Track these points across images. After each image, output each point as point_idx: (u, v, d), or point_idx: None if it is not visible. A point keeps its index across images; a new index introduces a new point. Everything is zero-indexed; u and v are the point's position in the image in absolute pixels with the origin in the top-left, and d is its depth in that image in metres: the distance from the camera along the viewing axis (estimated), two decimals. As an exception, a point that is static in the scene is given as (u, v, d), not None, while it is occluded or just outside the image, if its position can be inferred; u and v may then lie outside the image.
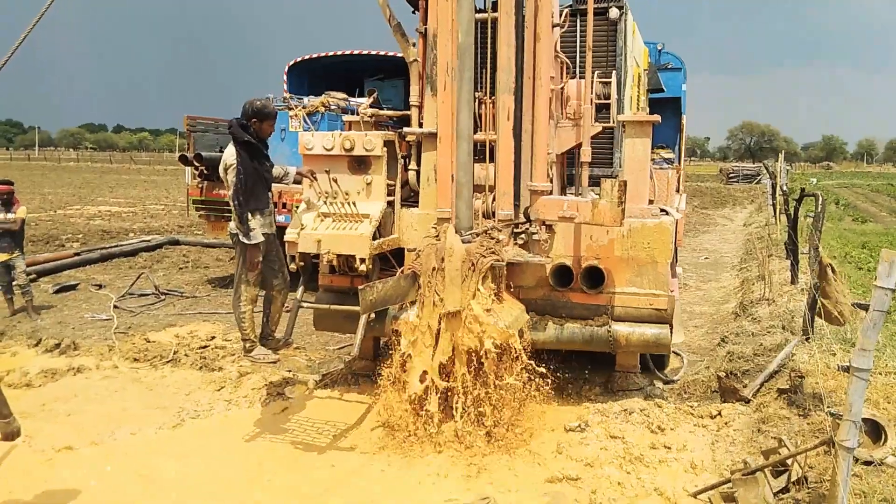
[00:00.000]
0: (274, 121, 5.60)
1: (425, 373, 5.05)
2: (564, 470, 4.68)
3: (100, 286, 10.87)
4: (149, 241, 15.27)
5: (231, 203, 5.33)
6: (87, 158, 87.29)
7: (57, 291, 10.43)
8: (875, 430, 4.19)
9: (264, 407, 5.94)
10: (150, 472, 4.79)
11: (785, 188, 14.43)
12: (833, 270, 5.61)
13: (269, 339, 5.83)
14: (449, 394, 5.14)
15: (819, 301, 5.33)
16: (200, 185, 10.55)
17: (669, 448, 4.95)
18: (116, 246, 14.46)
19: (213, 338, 7.86)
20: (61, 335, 7.92)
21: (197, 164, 10.00)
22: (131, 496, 4.48)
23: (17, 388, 6.26)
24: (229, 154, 5.35)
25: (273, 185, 5.88)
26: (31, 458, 4.99)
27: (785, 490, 4.00)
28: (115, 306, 9.47)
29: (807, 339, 6.16)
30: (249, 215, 5.30)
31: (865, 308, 3.39)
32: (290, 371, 6.67)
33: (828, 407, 4.21)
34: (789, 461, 4.05)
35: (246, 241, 5.29)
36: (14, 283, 8.98)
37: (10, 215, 8.80)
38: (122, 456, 5.06)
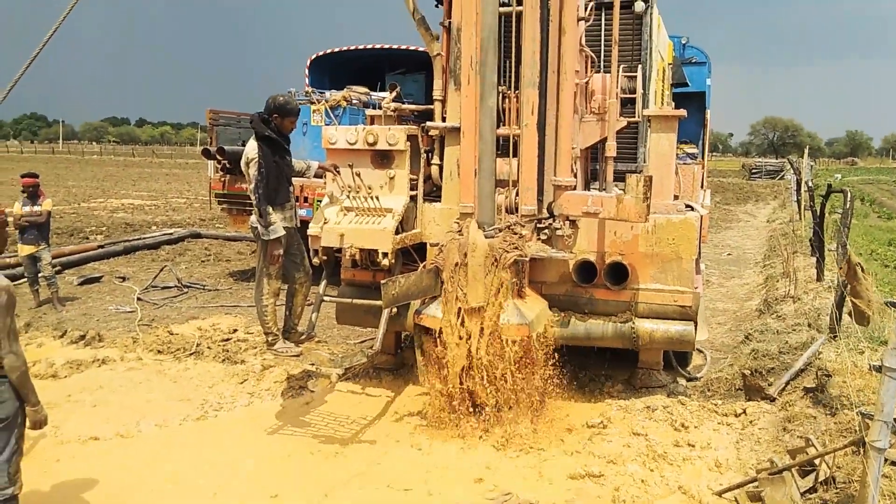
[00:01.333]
0: (296, 118, 5.59)
1: (452, 369, 5.05)
2: (587, 467, 4.66)
3: (123, 279, 10.99)
4: (171, 234, 15.40)
5: (252, 197, 5.35)
6: (110, 152, 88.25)
7: (81, 283, 10.56)
8: (905, 431, 4.12)
9: (287, 400, 5.97)
10: (175, 464, 4.83)
11: (810, 184, 14.25)
12: (862, 269, 5.52)
13: (292, 333, 5.85)
14: (474, 391, 5.13)
15: (850, 300, 5.25)
16: (223, 179, 10.61)
17: (693, 446, 4.91)
18: (139, 239, 14.60)
19: (236, 331, 7.91)
20: (86, 327, 8.01)
21: (219, 157, 10.04)
22: (157, 487, 4.52)
23: (43, 379, 6.34)
24: (251, 148, 5.36)
25: (294, 179, 5.89)
26: (58, 448, 5.06)
27: (812, 490, 3.95)
28: (139, 298, 9.56)
29: (834, 338, 6.08)
30: (270, 209, 5.32)
31: (897, 306, 3.33)
32: (312, 364, 6.68)
33: (857, 406, 4.15)
34: (817, 461, 4.00)
35: (266, 236, 5.31)
36: (40, 274, 9.10)
37: (36, 208, 8.91)
38: (148, 447, 5.11)
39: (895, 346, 3.28)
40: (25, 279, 9.27)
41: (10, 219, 8.74)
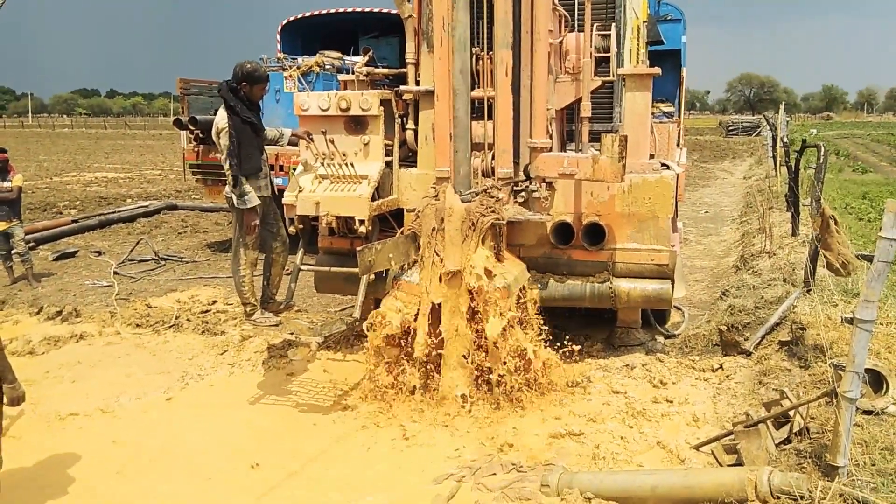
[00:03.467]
0: (265, 84, 5.48)
1: (429, 333, 5.06)
2: (568, 425, 4.72)
3: (99, 253, 10.86)
4: (146, 206, 15.22)
5: (225, 167, 5.28)
6: (82, 124, 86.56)
7: (56, 259, 10.42)
8: (876, 381, 4.20)
9: (267, 370, 5.97)
10: (155, 437, 4.83)
11: (785, 140, 14.31)
12: (836, 222, 5.58)
13: (271, 303, 5.82)
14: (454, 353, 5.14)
15: (823, 253, 5.31)
16: (196, 149, 10.47)
17: (671, 402, 4.99)
18: (114, 212, 14.41)
19: (215, 302, 7.87)
20: (62, 302, 7.92)
21: (192, 127, 9.89)
22: (137, 461, 4.52)
23: (20, 356, 6.28)
24: (221, 118, 5.27)
25: (270, 147, 5.81)
26: (38, 424, 5.03)
27: (787, 441, 4.03)
28: (116, 272, 9.47)
29: (808, 291, 6.16)
30: (244, 179, 5.25)
31: (869, 259, 3.37)
32: (292, 334, 6.69)
33: (830, 358, 4.23)
34: (791, 412, 4.08)
35: (241, 206, 5.25)
36: (13, 251, 8.97)
37: (6, 183, 8.74)
38: (128, 421, 5.10)
39: (866, 298, 3.33)
40: (-2, 256, 9.13)
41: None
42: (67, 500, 4.09)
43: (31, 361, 6.24)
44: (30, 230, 10.96)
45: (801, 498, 3.31)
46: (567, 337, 5.55)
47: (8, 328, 7.07)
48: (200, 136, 9.89)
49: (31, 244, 10.01)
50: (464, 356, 5.07)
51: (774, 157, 17.36)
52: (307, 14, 11.45)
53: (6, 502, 3.81)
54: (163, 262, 10.16)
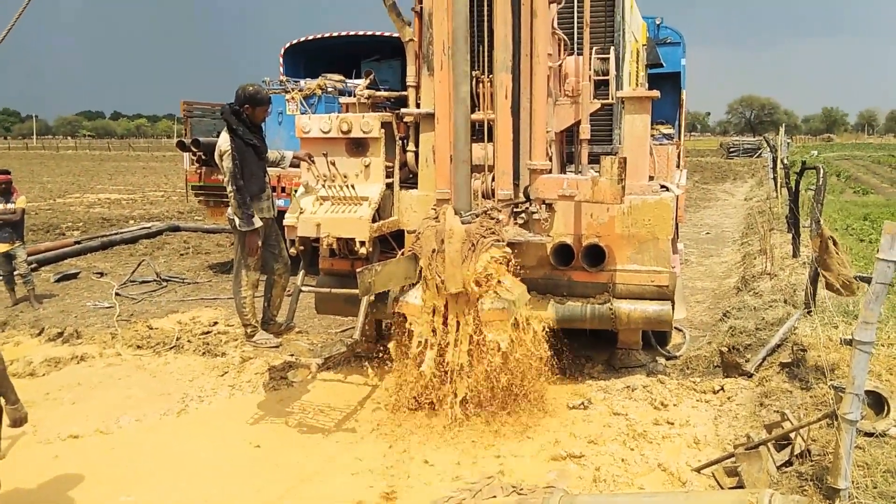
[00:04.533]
0: (267, 107, 5.53)
1: (431, 353, 5.06)
2: (568, 447, 4.70)
3: (101, 274, 10.88)
4: (149, 227, 15.26)
5: (228, 189, 5.31)
6: (86, 146, 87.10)
7: (58, 280, 10.44)
8: (878, 402, 4.19)
9: (268, 391, 5.96)
10: (155, 459, 4.82)
11: (786, 161, 14.37)
12: (835, 243, 5.58)
13: (271, 324, 5.83)
14: (455, 374, 5.14)
15: (822, 274, 5.32)
16: (199, 171, 10.52)
17: (672, 424, 4.97)
18: (117, 233, 14.45)
19: (216, 323, 7.87)
20: (64, 324, 7.93)
21: (195, 149, 9.95)
22: (139, 483, 4.50)
23: (21, 378, 6.27)
24: (223, 140, 5.32)
25: (271, 169, 5.85)
26: (38, 446, 5.02)
27: (788, 463, 4.01)
28: (117, 294, 9.48)
29: (809, 313, 6.16)
30: (247, 201, 5.28)
31: (868, 281, 3.37)
32: (292, 355, 6.69)
33: (830, 380, 4.22)
34: (792, 435, 4.06)
35: (244, 227, 5.27)
36: (15, 272, 8.99)
37: (9, 205, 8.78)
38: (128, 442, 5.08)
39: (865, 319, 3.33)
40: (1, 278, 9.14)
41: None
42: (65, 523, 4.07)
43: (32, 383, 6.24)
44: (32, 251, 10.99)
45: (803, 521, 3.29)
46: (568, 359, 5.55)
47: (9, 349, 7.07)
48: (203, 157, 9.95)
49: (33, 265, 10.04)
50: (467, 375, 5.06)
51: (775, 179, 17.41)
52: (310, 37, 11.57)
53: (4, 525, 3.80)
54: (164, 284, 10.17)
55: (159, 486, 4.45)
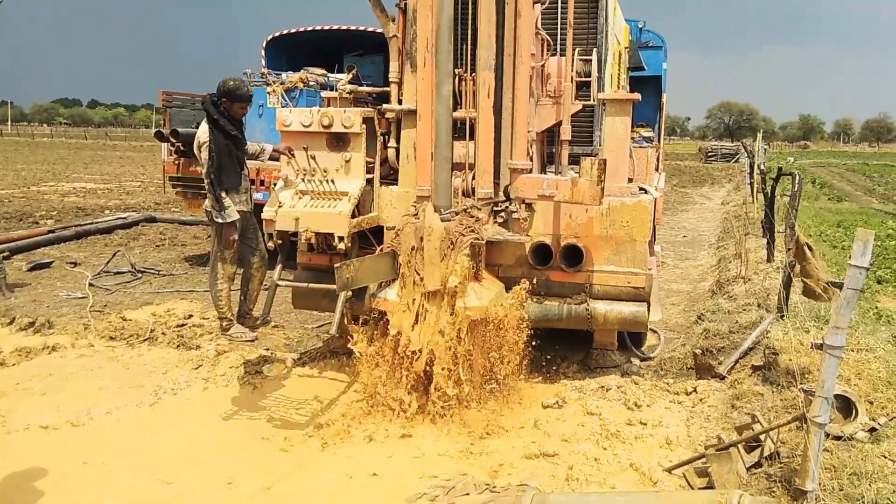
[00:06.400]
0: (245, 104, 5.47)
1: (406, 350, 5.06)
2: (542, 446, 4.72)
3: (75, 264, 10.73)
4: (125, 218, 15.07)
5: (205, 181, 5.27)
6: (62, 134, 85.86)
7: (31, 269, 10.28)
8: (846, 406, 4.26)
9: (242, 385, 5.92)
10: (126, 451, 4.77)
11: (762, 167, 14.54)
12: (811, 249, 5.66)
13: (247, 318, 5.80)
14: (428, 371, 5.14)
15: (802, 280, 5.38)
16: (177, 162, 10.41)
17: (645, 424, 5.01)
18: (92, 223, 14.25)
19: (191, 316, 7.80)
20: (36, 313, 7.81)
21: (173, 140, 9.86)
22: (109, 476, 4.45)
23: (-10, 367, 6.19)
24: (202, 132, 5.28)
25: (251, 162, 5.81)
26: (6, 437, 4.95)
27: (758, 465, 4.06)
28: (91, 284, 9.36)
29: (781, 317, 6.24)
30: (223, 193, 5.24)
31: (839, 286, 3.43)
32: (267, 349, 6.64)
33: (801, 383, 4.29)
34: (762, 437, 4.12)
35: (220, 220, 5.24)
36: (-14, 260, 8.84)
37: (-19, 192, 8.63)
38: (99, 434, 5.03)
39: (836, 325, 3.38)
40: (-29, 265, 8.99)
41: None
42: (33, 515, 4.02)
43: (2, 372, 6.14)
44: (4, 239, 10.83)
45: (771, 522, 3.34)
46: (543, 358, 5.57)
47: (-22, 339, 6.96)
48: (181, 148, 9.86)
49: (5, 254, 9.90)
50: (442, 371, 5.06)
51: (752, 184, 17.61)
52: (293, 30, 11.50)
53: (-30, 516, 3.74)
54: (139, 275, 10.06)
55: (130, 480, 4.41)
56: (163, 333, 7.15)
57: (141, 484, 4.35)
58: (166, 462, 4.62)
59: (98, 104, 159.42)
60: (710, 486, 3.95)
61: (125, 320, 7.57)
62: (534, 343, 5.54)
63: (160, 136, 10.28)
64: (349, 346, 5.42)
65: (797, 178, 7.81)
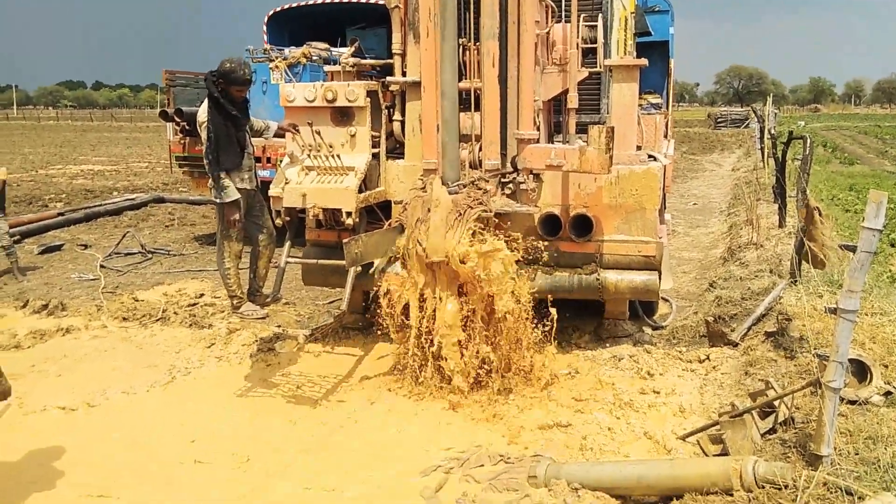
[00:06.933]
0: (242, 87, 5.32)
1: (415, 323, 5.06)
2: (555, 417, 4.73)
3: (85, 246, 10.78)
4: (133, 199, 15.11)
5: (204, 161, 5.23)
6: (67, 117, 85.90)
7: (42, 252, 10.34)
8: (861, 370, 4.24)
9: (255, 362, 5.95)
10: (142, 430, 4.81)
11: (773, 132, 14.37)
12: (820, 213, 5.61)
13: (258, 295, 5.80)
14: (440, 342, 5.14)
15: (806, 244, 5.34)
16: (183, 141, 10.40)
17: (658, 393, 5.01)
18: (100, 205, 14.30)
19: (202, 295, 7.83)
20: (48, 296, 7.87)
21: (178, 119, 9.81)
22: (125, 456, 4.50)
23: (6, 350, 6.24)
24: (202, 111, 5.24)
25: (255, 139, 5.77)
26: (24, 419, 5.00)
27: (772, 431, 4.05)
28: (102, 266, 9.40)
29: (794, 282, 6.20)
30: (222, 174, 5.20)
31: (853, 249, 3.38)
32: (279, 326, 6.67)
33: (814, 348, 4.26)
34: (776, 402, 4.10)
35: (220, 200, 5.21)
36: (-2, 244, 8.88)
37: (-11, 176, 8.64)
38: (115, 414, 5.07)
39: (850, 288, 3.34)
40: (-17, 250, 9.04)
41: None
42: (54, 494, 4.06)
43: (17, 355, 6.19)
44: (15, 223, 10.86)
45: (786, 487, 3.33)
46: (555, 328, 5.55)
47: (-7, 322, 7.01)
48: (186, 127, 9.82)
49: (16, 238, 9.93)
50: (453, 344, 5.06)
51: (762, 149, 17.44)
52: (294, 4, 11.37)
53: (-9, 497, 3.79)
54: (150, 256, 10.10)
55: (147, 459, 4.44)
56: (175, 313, 7.19)
57: (157, 463, 4.39)
58: (182, 440, 4.66)
59: (102, 86, 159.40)
60: (724, 453, 3.94)
61: (137, 301, 7.60)
62: (545, 314, 5.52)
63: (165, 116, 10.23)
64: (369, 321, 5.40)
65: (808, 141, 7.71)
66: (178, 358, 6.08)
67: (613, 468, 3.90)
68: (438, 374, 5.15)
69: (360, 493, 4.01)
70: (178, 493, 4.06)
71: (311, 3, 11.28)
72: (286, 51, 10.15)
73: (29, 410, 5.12)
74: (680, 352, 5.70)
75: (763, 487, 3.39)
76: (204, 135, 5.16)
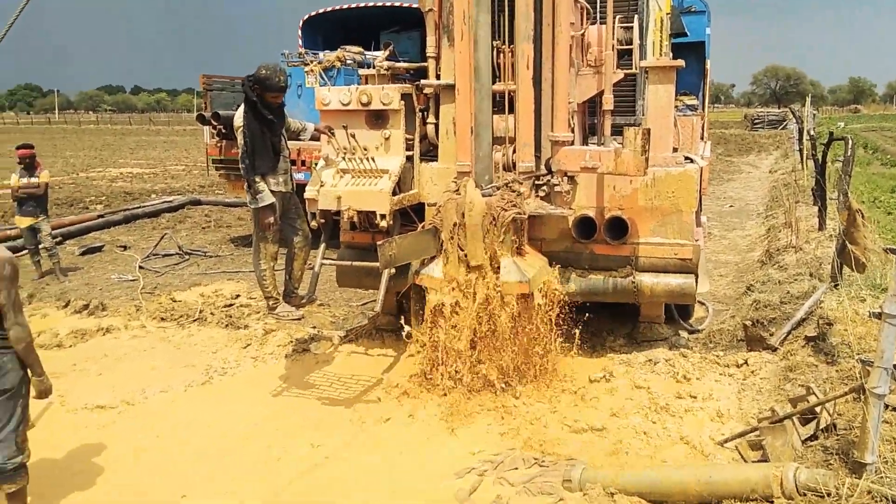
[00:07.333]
0: (278, 94, 5.32)
1: (451, 327, 5.06)
2: (590, 420, 4.70)
3: (124, 247, 10.99)
4: (171, 201, 15.37)
5: (240, 165, 5.28)
6: (107, 121, 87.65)
7: (83, 253, 10.57)
8: (905, 377, 4.13)
9: (290, 363, 6.01)
10: (179, 429, 4.88)
11: (812, 133, 14.09)
12: (862, 215, 5.49)
13: (293, 297, 5.84)
14: (476, 348, 5.14)
15: (847, 247, 5.22)
16: (219, 145, 10.54)
17: (695, 397, 4.94)
18: (139, 207, 14.59)
19: (238, 296, 7.93)
20: (89, 296, 8.03)
21: (214, 122, 9.96)
22: (163, 453, 4.57)
23: (48, 349, 6.38)
24: (238, 115, 5.30)
25: (291, 143, 5.82)
26: (65, 416, 5.11)
27: (813, 437, 3.97)
28: (141, 267, 9.58)
29: (835, 286, 6.07)
30: (257, 178, 5.24)
31: (897, 252, 3.31)
32: (314, 327, 6.72)
33: (857, 354, 4.17)
34: (818, 409, 4.02)
35: (254, 204, 5.26)
36: (41, 246, 9.09)
37: (33, 179, 8.86)
38: (154, 413, 5.16)
39: (895, 292, 3.26)
40: (26, 251, 9.27)
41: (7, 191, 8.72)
42: (94, 491, 4.15)
43: (59, 354, 6.34)
44: (57, 225, 11.12)
45: (828, 495, 3.27)
46: (589, 332, 5.52)
47: (36, 321, 7.18)
48: (223, 131, 9.96)
49: (57, 239, 10.16)
50: (488, 348, 5.06)
51: (801, 151, 17.11)
52: (328, 9, 11.46)
53: (34, 491, 3.87)
54: (187, 257, 10.26)
55: (183, 457, 4.52)
56: (211, 314, 7.29)
57: (193, 460, 4.46)
58: (217, 439, 4.72)
59: (141, 90, 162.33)
60: (764, 459, 3.88)
61: (175, 301, 7.73)
62: (578, 317, 5.49)
63: (202, 120, 10.40)
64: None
65: (850, 142, 7.54)
66: (215, 358, 6.17)
67: (650, 473, 3.86)
68: (473, 375, 5.14)
69: (393, 493, 4.02)
70: (214, 490, 4.12)
71: (345, 7, 11.37)
72: (321, 54, 10.24)
73: (70, 408, 5.24)
74: (717, 356, 5.62)
75: (804, 495, 3.34)
76: (240, 139, 5.21)
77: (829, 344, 5.10)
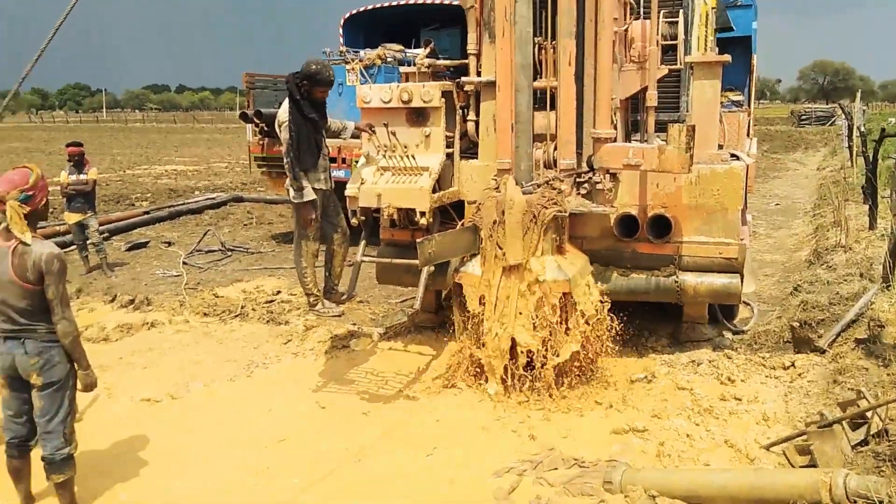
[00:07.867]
0: (326, 88, 5.35)
1: (490, 326, 5.04)
2: (631, 421, 4.63)
3: (169, 243, 11.20)
4: (214, 198, 15.63)
5: (284, 160, 5.32)
6: (152, 119, 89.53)
7: (129, 249, 10.80)
8: (963, 382, 3.99)
9: (330, 359, 6.05)
10: (222, 423, 4.95)
11: (862, 129, 13.70)
12: (917, 214, 5.31)
13: (333, 293, 5.88)
14: (516, 347, 5.10)
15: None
16: (261, 142, 10.68)
17: (740, 400, 4.84)
18: (183, 204, 14.86)
19: (279, 292, 8.01)
20: (135, 291, 8.20)
21: (257, 120, 10.09)
22: (207, 446, 4.64)
23: (95, 343, 6.52)
24: (283, 111, 5.33)
25: (331, 140, 5.85)
26: (111, 409, 5.22)
27: (864, 443, 3.86)
28: (184, 263, 9.75)
29: (887, 287, 5.88)
30: (301, 173, 5.28)
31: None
32: (354, 324, 6.75)
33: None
34: (868, 413, 3.90)
35: (297, 200, 5.29)
36: (88, 241, 9.31)
37: (82, 176, 9.07)
38: (197, 406, 5.24)
39: (954, 294, 3.15)
40: (75, 246, 9.50)
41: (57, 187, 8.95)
42: (139, 482, 4.23)
43: (106, 348, 6.48)
44: (104, 221, 11.37)
45: (880, 503, 3.16)
46: (631, 332, 5.45)
47: (84, 316, 7.35)
48: (265, 129, 10.08)
49: (105, 235, 10.39)
50: (528, 349, 5.02)
51: (850, 148, 16.65)
52: (369, 7, 11.53)
53: (82, 482, 3.96)
54: (229, 253, 10.41)
55: (226, 450, 4.58)
56: (253, 309, 7.38)
57: (235, 454, 4.51)
58: (260, 433, 4.77)
59: (185, 89, 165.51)
60: (812, 465, 3.78)
61: (217, 297, 7.85)
62: (620, 317, 5.41)
63: (245, 118, 10.53)
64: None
65: (903, 139, 7.31)
66: (256, 353, 6.24)
67: (694, 476, 3.79)
68: (513, 374, 5.11)
69: (430, 490, 4.02)
70: (256, 482, 4.16)
71: (385, 5, 11.42)
72: (361, 52, 10.30)
73: (117, 401, 5.34)
74: (763, 357, 5.50)
75: (854, 502, 3.23)
76: (285, 134, 5.25)
77: (880, 347, 4.95)
